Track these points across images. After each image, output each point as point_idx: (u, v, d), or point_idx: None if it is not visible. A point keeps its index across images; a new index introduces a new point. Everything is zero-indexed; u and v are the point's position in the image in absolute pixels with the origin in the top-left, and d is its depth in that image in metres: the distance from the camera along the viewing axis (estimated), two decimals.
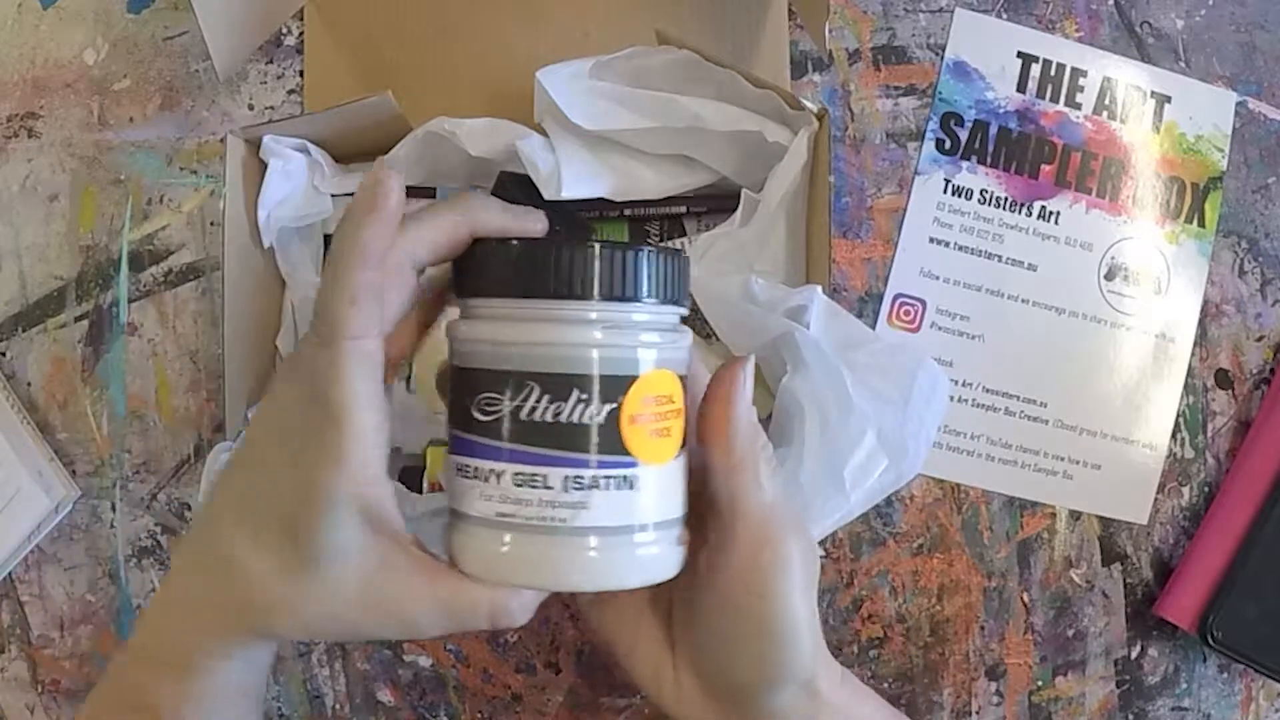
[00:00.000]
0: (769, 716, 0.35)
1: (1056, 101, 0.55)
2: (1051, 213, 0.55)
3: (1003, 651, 0.54)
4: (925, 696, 0.53)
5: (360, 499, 0.30)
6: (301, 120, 0.48)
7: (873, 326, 0.54)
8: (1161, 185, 0.56)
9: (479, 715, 0.53)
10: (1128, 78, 0.56)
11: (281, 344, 0.51)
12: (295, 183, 0.49)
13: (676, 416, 0.32)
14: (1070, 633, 0.54)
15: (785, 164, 0.47)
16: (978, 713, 0.54)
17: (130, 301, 0.54)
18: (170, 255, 0.54)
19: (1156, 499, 0.54)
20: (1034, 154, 0.55)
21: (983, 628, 0.54)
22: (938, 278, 0.55)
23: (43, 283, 0.54)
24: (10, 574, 0.53)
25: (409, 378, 0.50)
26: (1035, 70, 0.55)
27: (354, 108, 0.46)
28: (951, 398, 0.54)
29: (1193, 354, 0.55)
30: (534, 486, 0.30)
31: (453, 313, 0.34)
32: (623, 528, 0.31)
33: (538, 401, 0.30)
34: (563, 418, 0.30)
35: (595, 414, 0.30)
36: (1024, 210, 0.55)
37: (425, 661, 0.53)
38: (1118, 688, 0.54)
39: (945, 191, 0.55)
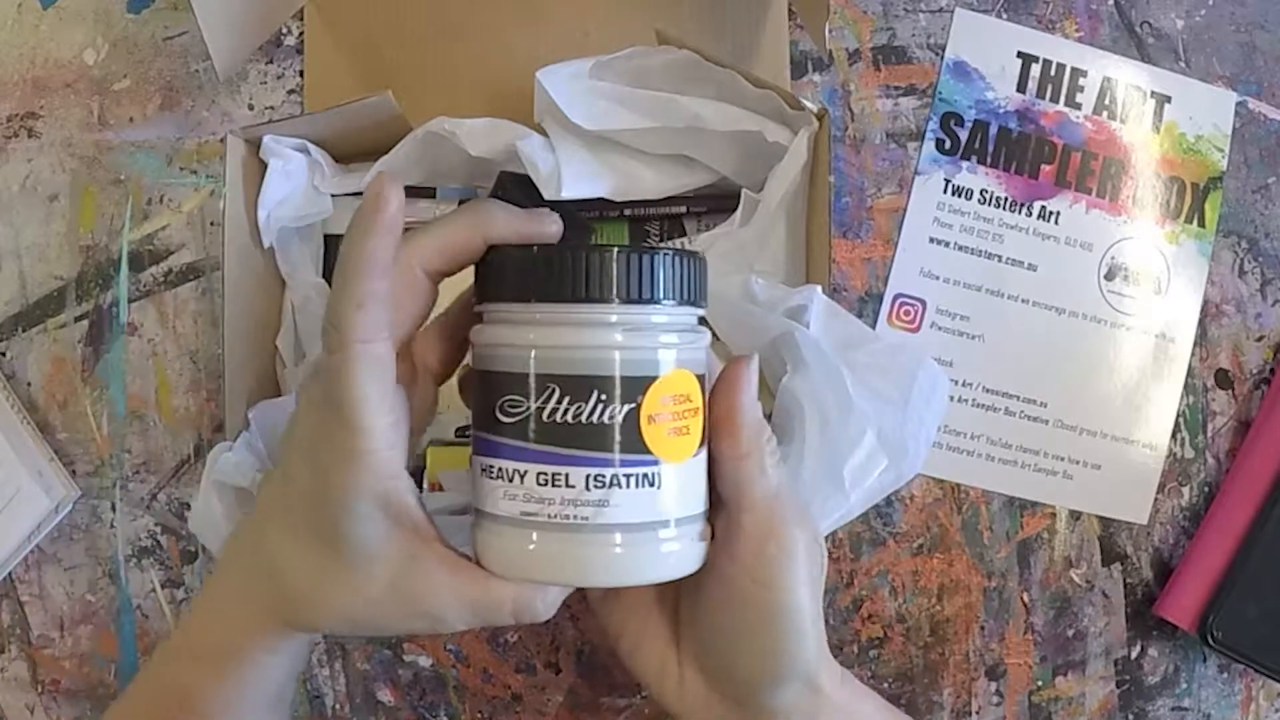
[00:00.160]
0: (772, 714, 0.36)
1: (1056, 101, 0.55)
2: (1051, 213, 0.55)
3: (1003, 651, 0.54)
4: (925, 696, 0.53)
5: (380, 496, 0.32)
6: (301, 120, 0.48)
7: (873, 326, 0.54)
8: (1161, 185, 0.56)
9: (479, 715, 0.53)
10: (1128, 78, 0.56)
11: (281, 344, 0.51)
12: (295, 183, 0.49)
13: (695, 415, 0.33)
14: (1070, 633, 0.54)
15: (785, 164, 0.47)
16: (978, 713, 0.54)
17: (130, 301, 0.54)
18: (170, 255, 0.54)
19: (1156, 499, 0.54)
20: (1034, 154, 0.55)
21: (983, 628, 0.54)
22: (938, 278, 0.55)
23: (43, 283, 0.54)
24: (10, 574, 0.53)
25: None
26: (1035, 70, 0.55)
27: (354, 108, 0.46)
28: (951, 398, 0.54)
29: (1193, 354, 0.55)
30: (556, 485, 0.31)
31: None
32: (645, 524, 0.32)
33: (559, 403, 0.31)
34: (583, 418, 0.31)
35: (615, 414, 0.31)
36: (1024, 210, 0.55)
37: (425, 661, 0.53)
38: (1118, 688, 0.54)
39: (945, 191, 0.55)
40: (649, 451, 0.31)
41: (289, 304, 0.51)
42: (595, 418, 0.31)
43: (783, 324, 0.43)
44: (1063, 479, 0.54)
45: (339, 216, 0.51)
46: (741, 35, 0.54)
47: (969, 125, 0.55)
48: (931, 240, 0.55)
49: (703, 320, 0.34)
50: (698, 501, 0.33)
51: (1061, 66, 0.55)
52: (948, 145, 0.55)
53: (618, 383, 0.31)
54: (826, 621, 0.53)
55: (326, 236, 0.52)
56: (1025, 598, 0.54)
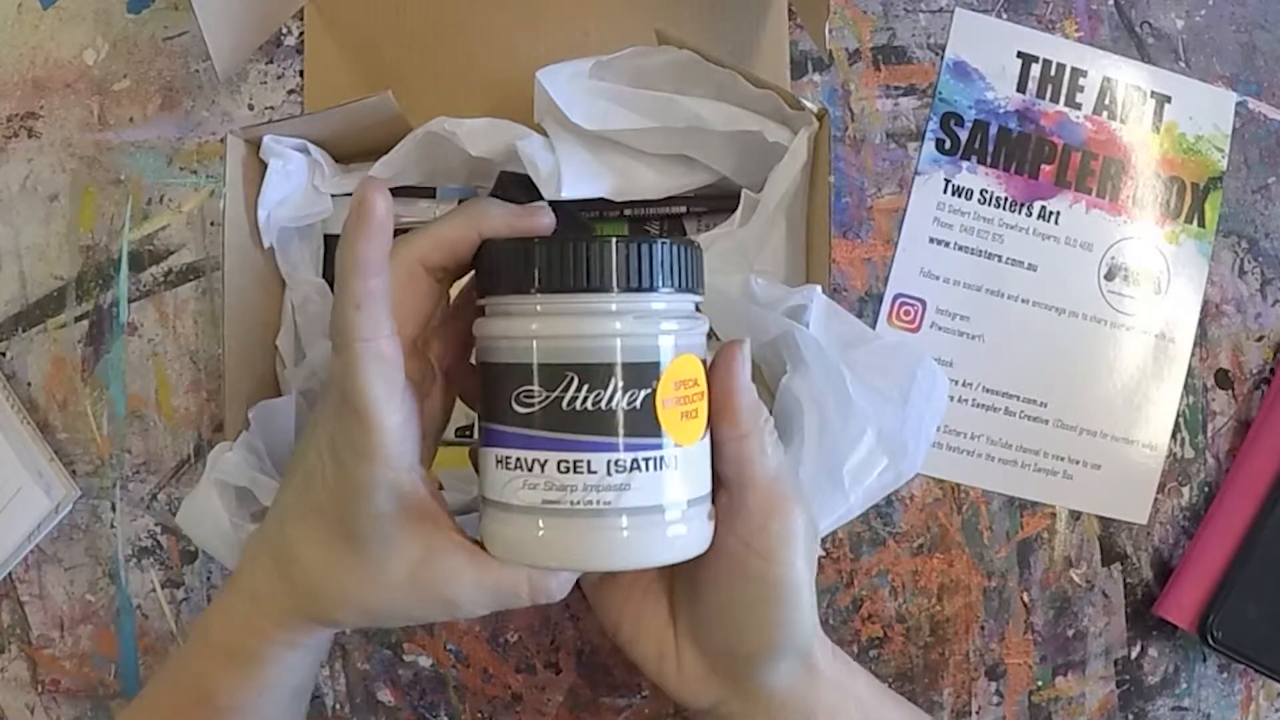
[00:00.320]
0: (769, 690, 0.37)
1: (1056, 101, 0.55)
2: (1051, 213, 0.55)
3: (1003, 651, 0.54)
4: (925, 696, 0.53)
5: (395, 488, 0.33)
6: (301, 120, 0.48)
7: (873, 326, 0.54)
8: (1161, 185, 0.56)
9: (479, 715, 0.53)
10: (1128, 78, 0.56)
11: (281, 344, 0.51)
12: (295, 183, 0.49)
13: (701, 399, 0.34)
14: (1070, 633, 0.54)
15: (785, 164, 0.47)
16: (978, 713, 0.54)
17: (130, 301, 0.54)
18: (170, 255, 0.54)
19: (1156, 499, 0.54)
20: (1034, 154, 0.55)
21: (983, 628, 0.54)
22: (938, 278, 0.55)
23: (43, 283, 0.54)
24: (10, 574, 0.53)
25: None
26: (1035, 70, 0.55)
27: (354, 108, 0.46)
28: (951, 398, 0.54)
29: (1193, 354, 0.55)
30: (579, 472, 0.32)
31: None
32: (662, 506, 0.32)
33: (578, 391, 0.32)
34: (603, 404, 0.32)
35: (635, 399, 0.32)
36: (1024, 210, 0.55)
37: (425, 661, 0.53)
38: (1118, 688, 0.54)
39: (945, 191, 0.55)
40: (665, 435, 0.32)
41: (289, 304, 0.51)
42: (614, 404, 0.32)
43: (783, 324, 0.43)
44: (1063, 479, 0.54)
45: (339, 216, 0.51)
46: (741, 35, 0.54)
47: (969, 125, 0.55)
48: (931, 240, 0.55)
49: (699, 308, 0.35)
50: (704, 483, 0.34)
51: (1061, 66, 0.55)
52: (948, 145, 0.55)
53: (634, 369, 0.32)
54: (826, 622, 0.53)
55: (326, 236, 0.52)
56: (1025, 598, 0.54)
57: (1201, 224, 0.56)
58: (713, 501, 0.35)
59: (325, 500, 0.34)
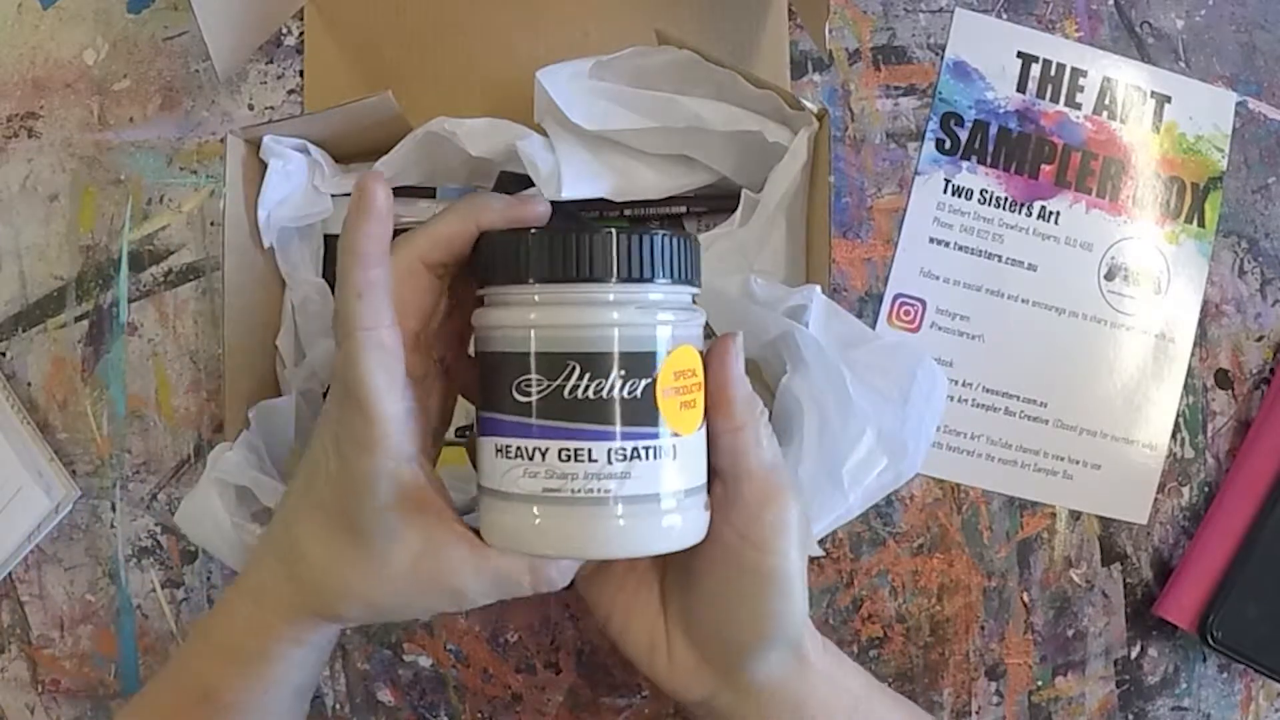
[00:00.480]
0: (760, 681, 0.37)
1: (1056, 101, 0.55)
2: (1051, 213, 0.55)
3: (1003, 651, 0.54)
4: (925, 696, 0.53)
5: (396, 480, 0.33)
6: (301, 120, 0.48)
7: (873, 326, 0.54)
8: (1161, 185, 0.56)
9: (479, 715, 0.53)
10: (1128, 78, 0.56)
11: (281, 344, 0.51)
12: (295, 183, 0.49)
13: (699, 389, 0.34)
14: (1070, 633, 0.54)
15: (785, 164, 0.47)
16: (978, 713, 0.54)
17: (130, 301, 0.54)
18: (170, 255, 0.54)
19: (1156, 499, 0.54)
20: (1034, 154, 0.55)
21: (983, 628, 0.54)
22: (938, 278, 0.55)
23: (43, 283, 0.54)
24: (10, 574, 0.53)
25: None
26: (1035, 70, 0.55)
27: (354, 108, 0.46)
28: (951, 398, 0.54)
29: (1193, 354, 0.55)
30: (580, 460, 0.32)
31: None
32: (660, 495, 0.33)
33: (579, 379, 0.32)
34: (604, 393, 0.32)
35: (634, 389, 0.32)
36: (1024, 210, 0.55)
37: (425, 661, 0.53)
38: (1118, 688, 0.54)
39: (945, 191, 0.55)
40: (665, 424, 0.32)
41: (289, 304, 0.51)
42: (616, 393, 0.32)
43: (782, 323, 0.43)
44: (1063, 479, 0.54)
45: (339, 216, 0.51)
46: (741, 35, 0.54)
47: (969, 125, 0.55)
48: (931, 240, 0.55)
49: (696, 300, 0.35)
50: (700, 473, 0.34)
51: (1061, 66, 0.55)
52: (948, 145, 0.55)
53: (633, 359, 0.32)
54: (826, 622, 0.53)
55: (326, 236, 0.52)
56: (1025, 598, 0.54)
57: (1201, 224, 0.56)
58: (709, 491, 0.35)
59: (328, 495, 0.35)
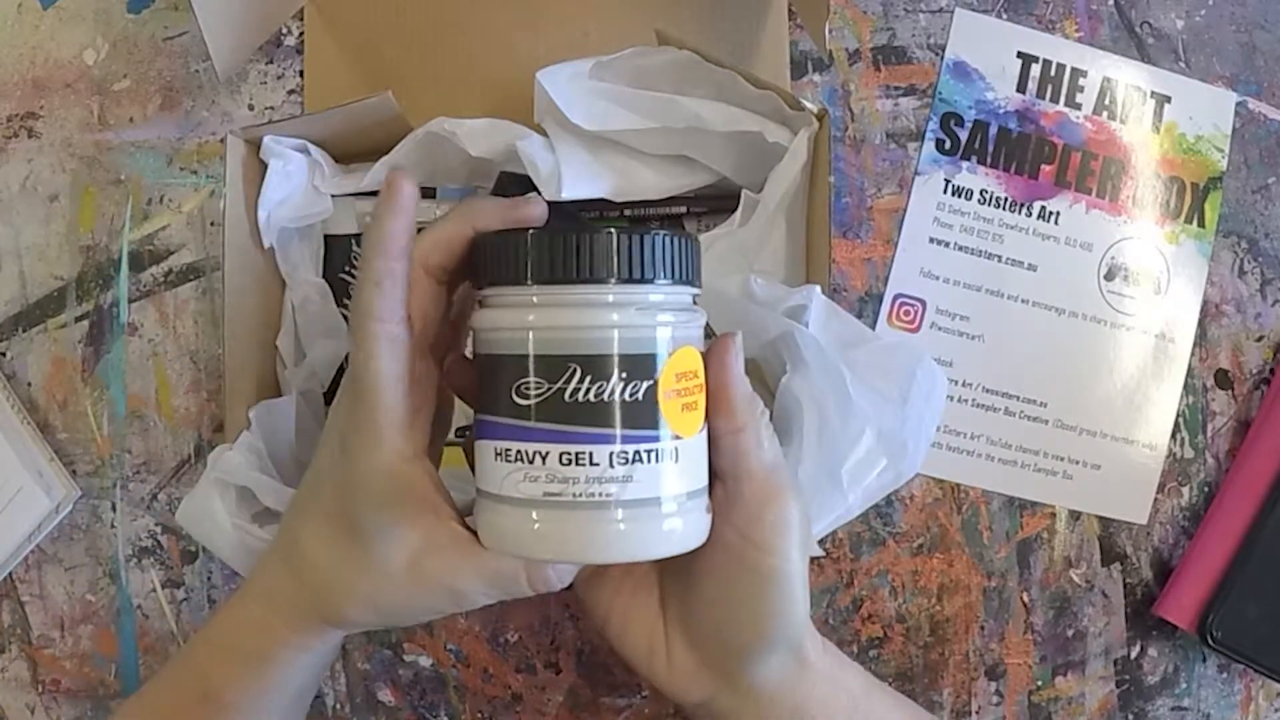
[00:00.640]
0: (760, 684, 0.37)
1: (1056, 101, 0.55)
2: (1051, 213, 0.55)
3: (1002, 651, 0.54)
4: (925, 696, 0.53)
5: (397, 475, 0.33)
6: (301, 120, 0.48)
7: (873, 326, 0.54)
8: (1161, 185, 0.56)
9: (479, 715, 0.53)
10: (1128, 78, 0.56)
11: (281, 344, 0.51)
12: (295, 183, 0.49)
13: (700, 391, 0.34)
14: (1070, 633, 0.54)
15: (785, 164, 0.47)
16: (977, 713, 0.54)
17: (130, 301, 0.54)
18: (170, 255, 0.54)
19: (1156, 499, 0.54)
20: (1034, 154, 0.55)
21: (983, 628, 0.54)
22: (938, 278, 0.55)
23: (43, 283, 0.54)
24: (10, 574, 0.53)
25: None
26: (1035, 70, 0.55)
27: (354, 108, 0.46)
28: (951, 398, 0.54)
29: (1193, 354, 0.55)
30: (581, 464, 0.31)
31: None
32: (659, 499, 0.32)
33: (580, 382, 0.31)
34: (605, 396, 0.31)
35: (636, 391, 0.32)
36: (1024, 210, 0.55)
37: (425, 661, 0.53)
38: (1117, 688, 0.54)
39: (945, 191, 0.55)
40: (667, 427, 0.32)
41: (289, 304, 0.51)
42: (616, 395, 0.31)
43: (782, 324, 0.43)
44: (1063, 479, 0.54)
45: (339, 216, 0.51)
46: (741, 35, 0.54)
47: (969, 125, 0.55)
48: (931, 240, 0.55)
49: (696, 301, 0.35)
50: (701, 475, 0.34)
51: (1061, 66, 0.55)
52: (948, 145, 0.55)
53: (633, 360, 0.32)
54: (826, 622, 0.53)
55: (326, 236, 0.52)
56: (1025, 598, 0.54)
57: (1201, 224, 0.56)
58: (710, 494, 0.35)
59: (331, 496, 0.35)
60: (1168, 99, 0.56)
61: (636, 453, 0.32)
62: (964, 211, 0.55)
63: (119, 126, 0.55)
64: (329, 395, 0.51)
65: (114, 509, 0.53)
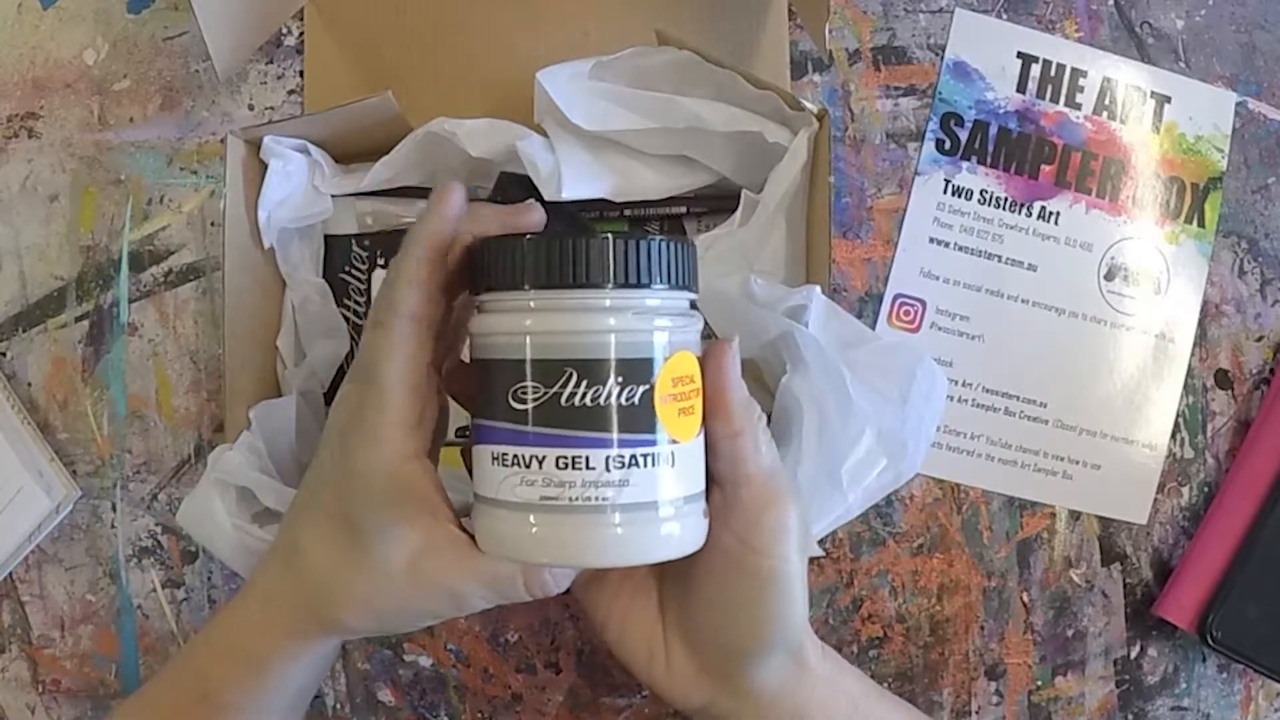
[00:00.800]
0: (759, 687, 0.37)
1: (1056, 102, 0.55)
2: (1051, 213, 0.55)
3: (1002, 651, 0.54)
4: (925, 696, 0.53)
5: (396, 475, 0.33)
6: (301, 120, 0.48)
7: (873, 326, 0.54)
8: (1161, 185, 0.56)
9: (479, 715, 0.53)
10: (1128, 78, 0.56)
11: (281, 344, 0.51)
12: (295, 183, 0.49)
13: (697, 395, 0.34)
14: (1070, 633, 0.54)
15: (785, 164, 0.47)
16: (977, 712, 0.54)
17: (130, 301, 0.54)
18: (170, 255, 0.54)
19: (1156, 499, 0.54)
20: (1034, 154, 0.55)
21: (982, 628, 0.54)
22: (938, 278, 0.55)
23: (43, 283, 0.54)
24: (10, 574, 0.53)
25: None
26: (1035, 70, 0.55)
27: (354, 108, 0.46)
28: (951, 398, 0.54)
29: (1193, 354, 0.55)
30: (577, 468, 0.31)
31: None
32: (659, 503, 0.32)
33: (576, 386, 0.31)
34: (601, 400, 0.31)
35: (632, 395, 0.32)
36: (1024, 210, 0.55)
37: (425, 661, 0.53)
38: (1117, 688, 0.54)
39: (945, 192, 0.55)
40: (663, 431, 0.32)
41: (289, 304, 0.51)
42: (613, 400, 0.31)
43: (782, 324, 0.43)
44: (1063, 479, 0.54)
45: (339, 217, 0.52)
46: (741, 35, 0.54)
47: (969, 125, 0.55)
48: (931, 240, 0.55)
49: (694, 305, 0.35)
50: (699, 480, 0.34)
51: (1061, 67, 0.55)
52: (948, 145, 0.55)
53: (630, 365, 0.32)
54: (826, 622, 0.53)
55: (327, 237, 0.52)
56: (1025, 598, 0.54)
57: (1201, 224, 0.56)
58: (707, 499, 0.35)
59: (331, 495, 0.35)
60: (1168, 99, 0.56)
61: (633, 457, 0.32)
62: (964, 211, 0.55)
63: (119, 126, 0.55)
64: (329, 395, 0.51)
65: (114, 509, 0.53)
